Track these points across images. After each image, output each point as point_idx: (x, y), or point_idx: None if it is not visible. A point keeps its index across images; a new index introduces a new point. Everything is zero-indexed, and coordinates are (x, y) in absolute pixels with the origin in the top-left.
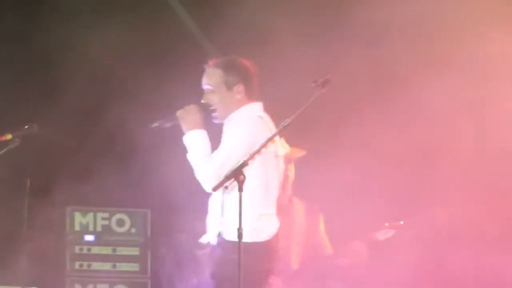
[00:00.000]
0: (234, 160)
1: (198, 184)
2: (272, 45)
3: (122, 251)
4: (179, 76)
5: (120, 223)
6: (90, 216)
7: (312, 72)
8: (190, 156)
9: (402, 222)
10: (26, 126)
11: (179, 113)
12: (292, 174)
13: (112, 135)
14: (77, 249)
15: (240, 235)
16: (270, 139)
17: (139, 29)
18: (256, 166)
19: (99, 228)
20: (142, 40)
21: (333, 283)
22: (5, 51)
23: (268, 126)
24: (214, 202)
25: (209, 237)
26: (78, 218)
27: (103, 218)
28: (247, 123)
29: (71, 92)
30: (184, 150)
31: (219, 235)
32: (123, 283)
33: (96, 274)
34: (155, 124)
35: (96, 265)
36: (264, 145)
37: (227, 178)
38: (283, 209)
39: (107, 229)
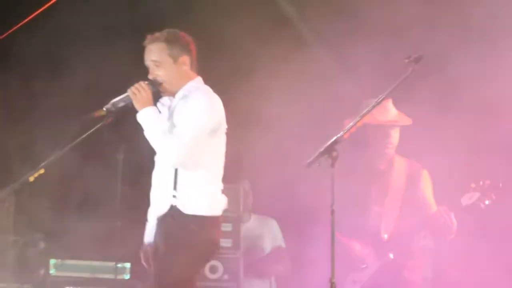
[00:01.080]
0: (202, 135)
1: (293, 157)
2: (368, 26)
3: None
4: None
5: None
6: None
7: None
8: (149, 134)
9: (487, 183)
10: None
11: (130, 91)
12: (396, 139)
13: None
14: None
15: (332, 213)
16: (369, 112)
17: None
18: (217, 143)
19: None
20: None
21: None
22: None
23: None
24: (163, 176)
25: (159, 211)
26: None
27: None
28: (208, 98)
29: None
30: (278, 122)
31: (172, 208)
32: (216, 258)
33: None
34: (108, 106)
35: None
36: (363, 115)
37: (321, 154)
38: (380, 174)
39: None
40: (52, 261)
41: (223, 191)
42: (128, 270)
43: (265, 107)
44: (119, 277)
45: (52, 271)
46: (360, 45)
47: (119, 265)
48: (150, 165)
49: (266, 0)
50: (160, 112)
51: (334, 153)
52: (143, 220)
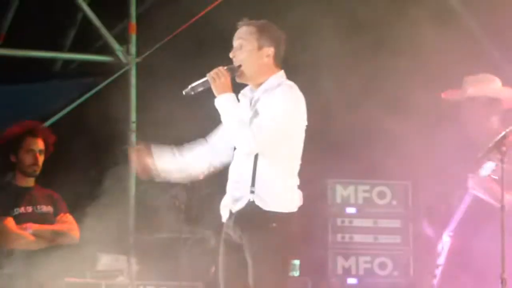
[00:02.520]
0: (283, 128)
1: (459, 153)
2: None
3: (383, 223)
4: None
5: (381, 195)
6: (351, 188)
7: None
8: (226, 120)
9: None
10: None
11: (209, 76)
12: None
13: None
14: (339, 222)
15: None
16: None
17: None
18: (296, 138)
19: (360, 201)
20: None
21: None
22: None
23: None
24: (242, 169)
25: (235, 205)
26: (340, 190)
27: (364, 191)
28: (292, 94)
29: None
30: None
31: (250, 204)
32: (385, 255)
33: (358, 246)
34: (188, 90)
35: (357, 237)
36: None
37: (490, 149)
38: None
39: (368, 201)
40: None
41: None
42: (297, 267)
43: (419, 96)
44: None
45: None
46: None
47: None
48: (322, 161)
49: None
50: (239, 101)
51: (504, 148)
52: (310, 215)
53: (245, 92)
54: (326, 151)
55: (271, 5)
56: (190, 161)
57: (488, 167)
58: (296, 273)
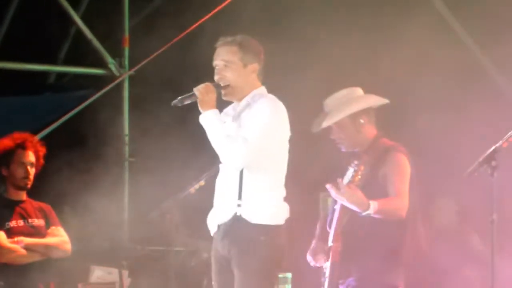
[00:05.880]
0: (267, 139)
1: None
2: None
3: None
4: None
5: None
6: None
7: None
8: (212, 136)
9: None
10: None
11: (198, 91)
12: None
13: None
14: None
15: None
16: None
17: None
18: (281, 149)
19: None
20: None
21: None
22: None
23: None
24: (228, 183)
25: (221, 218)
26: (331, 203)
27: None
28: (274, 105)
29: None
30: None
31: (237, 217)
32: None
33: None
34: (176, 101)
35: None
36: None
37: (480, 163)
38: None
39: None
40: None
41: None
42: (289, 280)
43: (411, 108)
44: (281, 287)
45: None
46: None
47: (280, 276)
48: (312, 177)
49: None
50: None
51: (494, 163)
52: (304, 229)
53: (227, 111)
54: (317, 164)
55: (264, 17)
56: None
57: (349, 174)
58: (288, 287)
